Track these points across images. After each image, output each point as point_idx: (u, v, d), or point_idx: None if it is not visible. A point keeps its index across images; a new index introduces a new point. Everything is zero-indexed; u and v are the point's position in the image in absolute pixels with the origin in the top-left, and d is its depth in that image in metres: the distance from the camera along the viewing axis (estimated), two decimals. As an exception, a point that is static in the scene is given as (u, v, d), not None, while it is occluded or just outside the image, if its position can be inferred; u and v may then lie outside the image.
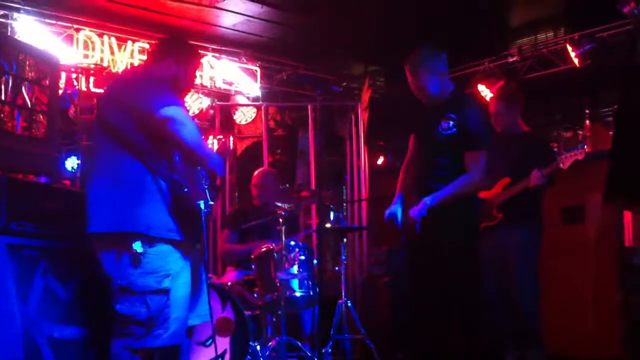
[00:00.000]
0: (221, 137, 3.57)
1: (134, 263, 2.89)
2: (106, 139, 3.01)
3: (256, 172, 5.60)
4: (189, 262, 3.12)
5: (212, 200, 3.08)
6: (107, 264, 2.96)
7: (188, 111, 3.05)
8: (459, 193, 3.63)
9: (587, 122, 8.86)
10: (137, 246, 2.89)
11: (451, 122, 3.64)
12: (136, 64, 6.26)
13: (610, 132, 7.61)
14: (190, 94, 6.73)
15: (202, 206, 2.99)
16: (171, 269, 2.98)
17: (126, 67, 6.29)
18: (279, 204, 4.87)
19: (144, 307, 2.90)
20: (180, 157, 3.04)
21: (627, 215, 5.66)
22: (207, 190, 3.05)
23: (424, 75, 3.70)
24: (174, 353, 3.20)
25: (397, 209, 3.82)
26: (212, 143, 5.84)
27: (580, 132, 9.09)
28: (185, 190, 2.95)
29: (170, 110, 2.90)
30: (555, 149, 8.34)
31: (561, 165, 4.26)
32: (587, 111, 8.79)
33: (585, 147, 4.27)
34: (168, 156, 3.01)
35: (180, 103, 3.01)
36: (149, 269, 2.92)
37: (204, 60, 7.00)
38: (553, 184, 4.39)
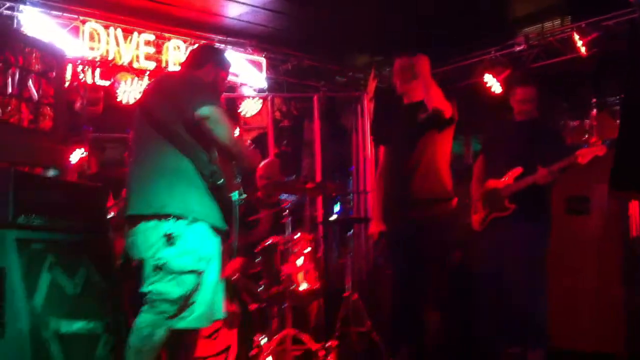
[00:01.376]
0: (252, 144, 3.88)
1: (172, 243, 3.07)
2: (150, 130, 3.25)
3: (262, 164, 5.60)
4: (220, 251, 3.30)
5: (244, 193, 3.36)
6: (143, 244, 3.13)
7: (225, 111, 3.31)
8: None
9: (594, 111, 8.79)
10: (177, 227, 3.07)
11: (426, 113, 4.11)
12: (142, 55, 6.25)
13: (617, 121, 7.57)
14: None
15: (236, 196, 3.25)
16: (207, 252, 3.17)
17: (165, 66, 6.42)
18: (284, 196, 4.87)
19: (177, 286, 3.07)
20: (218, 151, 3.27)
21: (634, 205, 5.63)
22: (239, 184, 3.34)
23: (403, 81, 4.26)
24: (194, 338, 3.35)
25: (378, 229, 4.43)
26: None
27: (587, 121, 9.03)
28: (222, 181, 3.17)
29: (208, 110, 3.15)
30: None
31: (580, 159, 4.21)
32: (593, 100, 8.72)
33: (607, 142, 4.24)
34: (207, 149, 3.23)
35: (218, 104, 3.24)
36: (186, 249, 3.10)
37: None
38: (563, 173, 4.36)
